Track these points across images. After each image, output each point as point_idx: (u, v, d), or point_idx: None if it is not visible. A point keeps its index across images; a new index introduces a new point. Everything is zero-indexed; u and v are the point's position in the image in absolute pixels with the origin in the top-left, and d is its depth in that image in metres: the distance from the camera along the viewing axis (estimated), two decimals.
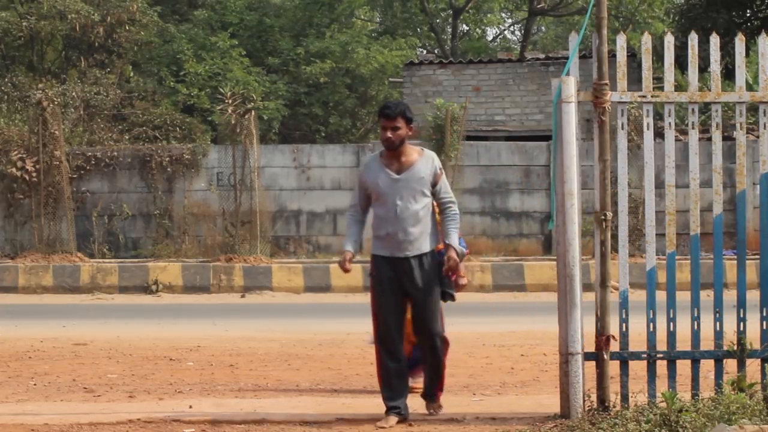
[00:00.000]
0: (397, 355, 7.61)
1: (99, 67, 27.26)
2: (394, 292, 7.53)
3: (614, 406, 7.75)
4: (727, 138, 18.52)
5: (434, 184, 7.52)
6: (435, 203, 7.63)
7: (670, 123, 8.00)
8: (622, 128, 7.99)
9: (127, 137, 23.97)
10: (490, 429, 7.79)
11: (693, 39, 7.99)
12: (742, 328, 7.93)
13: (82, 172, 21.75)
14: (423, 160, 7.54)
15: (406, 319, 8.66)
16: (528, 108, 25.71)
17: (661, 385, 7.84)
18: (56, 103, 20.86)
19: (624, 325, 7.86)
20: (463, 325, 13.73)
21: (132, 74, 28.47)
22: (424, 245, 7.50)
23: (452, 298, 7.84)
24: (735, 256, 8.20)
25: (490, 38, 41.09)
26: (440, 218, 7.64)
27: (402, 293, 7.55)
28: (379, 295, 7.58)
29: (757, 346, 7.95)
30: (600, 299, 7.81)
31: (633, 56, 21.51)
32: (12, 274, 18.92)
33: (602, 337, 7.81)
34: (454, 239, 7.53)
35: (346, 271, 7.61)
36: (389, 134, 7.44)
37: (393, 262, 7.50)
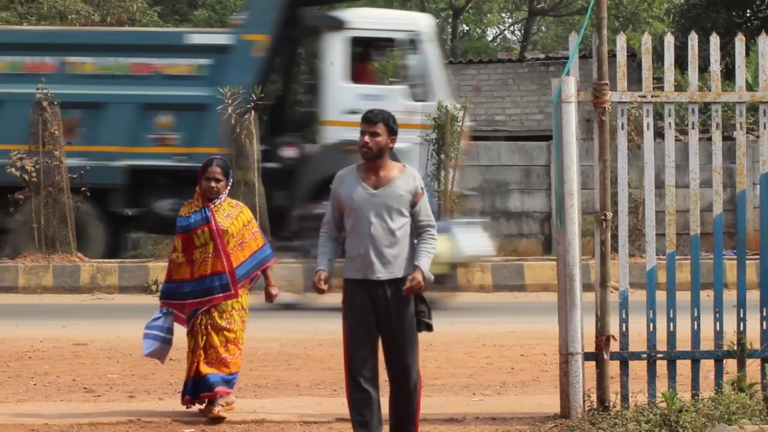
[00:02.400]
0: (369, 389, 6.80)
1: None
2: (367, 319, 6.77)
3: (614, 406, 7.76)
4: (727, 138, 18.52)
5: (414, 204, 6.81)
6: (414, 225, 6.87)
7: (670, 123, 8.01)
8: (622, 128, 8.00)
9: None
10: (490, 429, 7.80)
11: (693, 39, 7.99)
12: (742, 328, 7.94)
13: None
14: (404, 177, 6.85)
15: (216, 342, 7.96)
16: (528, 108, 25.73)
17: (661, 385, 7.85)
18: (56, 103, 20.85)
19: (624, 325, 7.87)
20: (463, 325, 13.73)
21: None
22: (399, 270, 6.75)
23: (429, 328, 6.88)
24: (735, 256, 8.21)
25: (490, 38, 41.12)
26: (417, 241, 6.88)
27: (375, 321, 6.79)
28: (351, 323, 6.81)
29: (757, 346, 7.96)
30: (600, 299, 7.82)
31: (633, 56, 21.51)
32: (12, 274, 18.90)
33: (602, 337, 7.82)
34: (424, 262, 6.75)
35: (321, 291, 6.84)
36: (366, 139, 6.75)
37: (366, 285, 6.75)
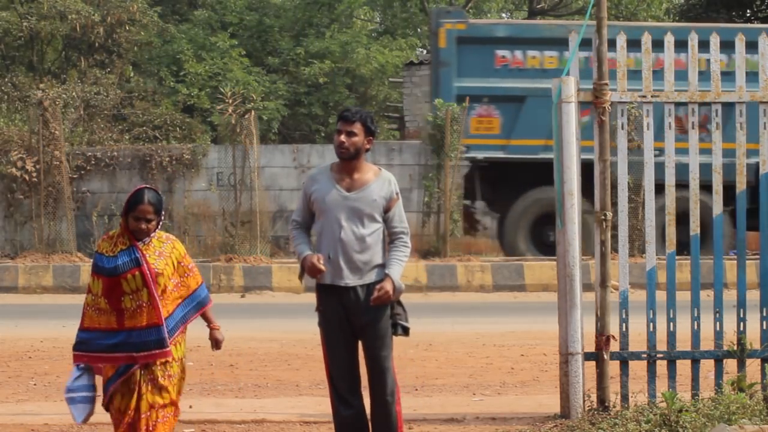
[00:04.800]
0: (352, 400, 6.70)
1: (99, 67, 27.26)
2: (342, 326, 6.58)
3: (614, 406, 7.77)
4: None
5: (387, 210, 6.57)
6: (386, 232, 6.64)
7: (670, 123, 8.02)
8: (622, 128, 8.00)
9: (127, 137, 23.97)
10: (490, 429, 7.81)
11: (693, 39, 8.00)
12: (742, 328, 7.94)
13: (82, 172, 21.75)
14: (379, 181, 6.59)
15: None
16: None
17: (661, 385, 7.85)
18: (57, 103, 20.86)
19: (624, 325, 7.88)
20: (463, 325, 13.74)
21: (132, 74, 28.46)
22: (371, 276, 6.52)
23: (405, 332, 6.67)
24: (735, 256, 8.21)
25: None
26: (388, 248, 6.65)
27: (351, 329, 6.60)
28: (327, 332, 6.63)
29: (757, 346, 7.96)
30: (600, 299, 7.82)
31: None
32: (12, 274, 18.91)
33: (602, 337, 7.82)
34: (395, 271, 6.52)
35: (320, 270, 6.43)
36: (343, 138, 6.49)
37: (337, 292, 6.53)
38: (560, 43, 19.93)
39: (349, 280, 6.52)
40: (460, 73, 19.77)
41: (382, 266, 6.56)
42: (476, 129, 19.92)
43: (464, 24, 19.98)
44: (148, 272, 6.35)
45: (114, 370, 6.42)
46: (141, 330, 6.36)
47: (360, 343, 6.66)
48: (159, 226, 6.46)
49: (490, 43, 19.83)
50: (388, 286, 6.46)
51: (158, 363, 6.40)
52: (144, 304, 6.36)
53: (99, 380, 6.54)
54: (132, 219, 6.35)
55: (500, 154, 19.90)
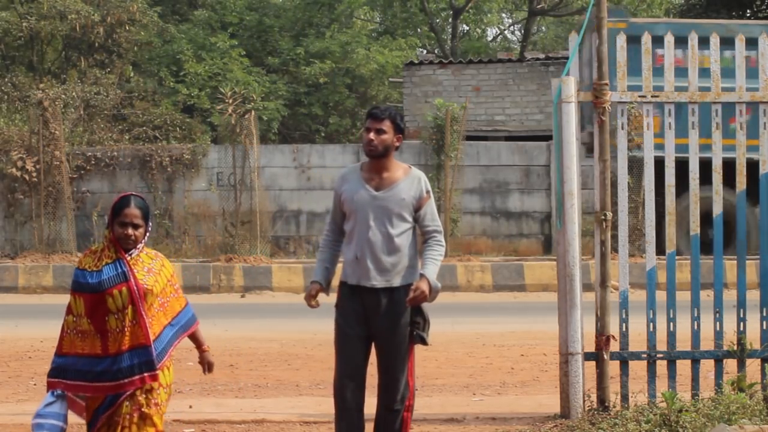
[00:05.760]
0: (351, 402, 6.52)
1: (99, 67, 27.26)
2: (359, 328, 6.44)
3: (614, 406, 7.77)
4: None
5: (418, 209, 6.44)
6: (419, 231, 6.51)
7: (669, 123, 8.02)
8: (622, 128, 8.01)
9: (127, 137, 23.97)
10: (490, 429, 7.80)
11: (693, 39, 8.01)
12: (742, 328, 7.94)
13: (82, 172, 21.75)
14: (408, 179, 6.49)
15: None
16: (528, 108, 25.70)
17: (661, 385, 7.86)
18: (57, 103, 20.86)
19: (624, 325, 7.88)
20: (463, 325, 13.74)
21: (132, 74, 28.47)
22: (398, 278, 6.40)
23: (423, 341, 6.48)
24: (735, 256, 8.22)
25: (490, 38, 41.13)
26: (422, 248, 6.49)
27: (367, 331, 6.45)
28: (342, 331, 6.50)
29: (757, 346, 7.96)
30: (600, 299, 7.82)
31: None
32: (12, 274, 18.91)
33: (602, 337, 7.82)
34: (430, 271, 6.39)
35: (310, 306, 6.50)
36: (372, 136, 6.38)
37: (360, 292, 6.40)
38: (723, 42, 19.75)
39: (376, 281, 6.38)
40: None
41: (411, 269, 6.43)
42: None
43: (624, 23, 19.96)
44: (135, 288, 5.84)
45: (100, 401, 5.86)
46: (125, 353, 5.83)
47: (374, 348, 6.53)
48: (146, 237, 5.97)
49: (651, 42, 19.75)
50: (423, 285, 6.31)
51: (143, 390, 5.85)
52: (128, 325, 5.83)
53: (71, 414, 5.93)
54: (118, 225, 5.86)
55: (660, 153, 19.63)
